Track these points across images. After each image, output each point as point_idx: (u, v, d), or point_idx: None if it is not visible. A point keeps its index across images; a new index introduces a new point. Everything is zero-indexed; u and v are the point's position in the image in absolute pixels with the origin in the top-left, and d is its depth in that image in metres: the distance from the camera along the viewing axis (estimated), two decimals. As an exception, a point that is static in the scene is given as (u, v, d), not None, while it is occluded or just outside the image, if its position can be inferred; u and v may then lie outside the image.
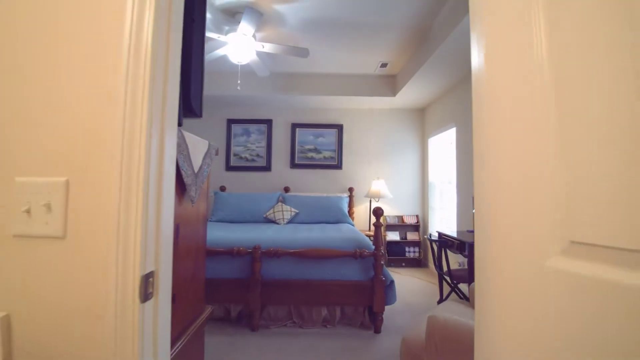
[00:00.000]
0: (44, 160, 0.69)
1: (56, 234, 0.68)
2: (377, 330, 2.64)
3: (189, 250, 1.15)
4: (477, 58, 0.67)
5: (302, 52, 3.14)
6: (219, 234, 3.02)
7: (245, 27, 2.81)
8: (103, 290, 0.67)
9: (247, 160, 5.03)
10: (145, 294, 0.67)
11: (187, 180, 1.04)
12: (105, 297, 0.66)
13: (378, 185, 4.63)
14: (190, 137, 1.07)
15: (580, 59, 0.47)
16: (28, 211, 0.68)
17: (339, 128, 5.07)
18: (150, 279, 0.68)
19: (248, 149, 5.05)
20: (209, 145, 1.25)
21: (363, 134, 5.09)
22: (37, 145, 0.70)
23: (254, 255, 2.63)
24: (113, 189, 0.66)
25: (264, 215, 4.17)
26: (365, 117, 5.10)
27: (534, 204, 0.53)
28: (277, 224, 4.02)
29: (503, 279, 0.60)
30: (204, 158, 1.19)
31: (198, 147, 1.13)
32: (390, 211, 4.97)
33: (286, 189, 4.94)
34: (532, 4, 0.54)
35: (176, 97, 0.80)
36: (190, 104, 1.04)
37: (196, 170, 1.11)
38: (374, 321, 2.67)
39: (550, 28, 0.51)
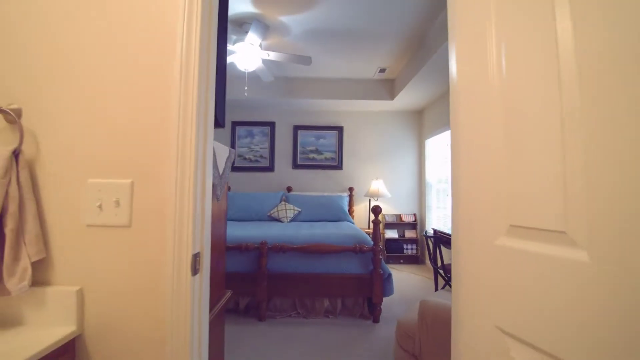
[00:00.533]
0: (113, 165, 0.88)
1: (123, 223, 0.87)
2: (376, 320, 2.83)
3: (214, 240, 1.34)
4: (452, 72, 0.86)
5: (305, 60, 3.33)
6: (228, 230, 3.20)
7: (253, 38, 3.00)
8: (162, 267, 0.86)
9: (251, 161, 5.22)
10: (194, 269, 0.86)
11: (215, 181, 1.22)
12: (163, 272, 0.86)
13: (377, 185, 4.83)
14: (216, 144, 1.26)
15: (521, 84, 0.66)
16: (100, 206, 0.87)
17: (340, 130, 5.26)
18: (197, 258, 0.87)
19: (252, 150, 5.24)
20: (230, 150, 1.44)
21: (362, 135, 5.28)
22: (107, 153, 0.89)
23: (261, 250, 2.82)
24: (170, 187, 0.85)
25: (268, 214, 4.36)
26: (365, 119, 5.29)
27: (488, 198, 0.72)
28: (281, 221, 4.21)
29: (467, 257, 0.79)
30: (226, 162, 1.38)
31: (222, 152, 1.32)
32: (388, 210, 5.16)
33: (289, 189, 5.13)
34: (486, 38, 0.73)
35: (212, 111, 0.98)
36: (215, 115, 1.23)
37: (220, 173, 1.30)
38: (372, 311, 2.86)
39: (504, 55, 0.71)
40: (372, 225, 2.99)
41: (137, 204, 0.88)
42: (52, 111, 0.90)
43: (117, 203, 0.87)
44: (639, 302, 0.45)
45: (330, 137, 5.26)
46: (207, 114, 0.94)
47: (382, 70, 4.37)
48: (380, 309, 2.84)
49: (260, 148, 5.26)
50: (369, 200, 5.04)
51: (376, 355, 2.31)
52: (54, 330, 0.83)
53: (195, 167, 0.86)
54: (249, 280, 2.83)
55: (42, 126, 0.90)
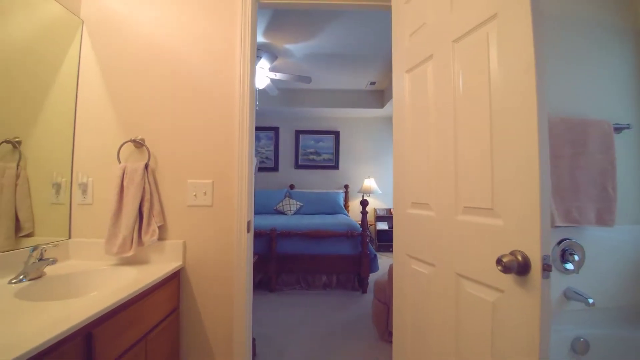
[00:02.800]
0: (201, 172, 1.57)
1: (208, 204, 1.55)
2: (364, 291, 3.52)
3: (247, 220, 2.03)
4: (394, 126, 1.54)
5: (306, 80, 4.00)
6: (243, 221, 3.89)
7: (264, 63, 3.66)
8: (230, 228, 1.54)
9: (258, 162, 5.88)
10: (248, 229, 1.54)
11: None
12: (231, 231, 1.54)
13: (369, 183, 5.51)
14: (250, 156, 1.94)
15: (417, 125, 1.35)
16: (195, 195, 1.56)
17: (336, 134, 5.93)
18: (249, 223, 1.56)
19: (259, 153, 5.90)
20: (256, 159, 2.12)
21: (356, 139, 5.95)
22: (201, 165, 1.57)
23: (271, 235, 3.50)
24: (234, 183, 1.54)
25: (274, 208, 5.04)
26: (358, 124, 5.96)
27: (404, 188, 1.41)
28: (286, 214, 4.89)
29: (396, 220, 1.47)
30: (255, 166, 2.05)
31: (254, 160, 2.00)
32: (379, 205, 5.84)
33: (292, 186, 5.80)
34: (405, 102, 1.41)
35: (253, 135, 1.66)
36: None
37: (254, 174, 1.98)
38: (361, 284, 3.55)
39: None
40: (361, 215, 3.67)
41: (216, 193, 1.56)
42: (163, 140, 1.59)
43: (205, 193, 1.55)
44: (452, 235, 1.14)
45: (328, 141, 5.93)
46: (251, 138, 1.62)
47: (373, 83, 5.04)
48: (367, 282, 3.53)
49: (266, 150, 5.92)
50: (362, 196, 5.72)
51: (362, 312, 3.00)
52: (170, 264, 1.51)
53: (248, 171, 1.54)
54: (262, 260, 3.50)
55: (159, 150, 1.59)
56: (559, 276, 1.61)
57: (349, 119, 5.96)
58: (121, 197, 1.49)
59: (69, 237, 1.57)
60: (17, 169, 1.40)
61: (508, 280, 0.88)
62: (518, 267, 0.83)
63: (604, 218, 1.54)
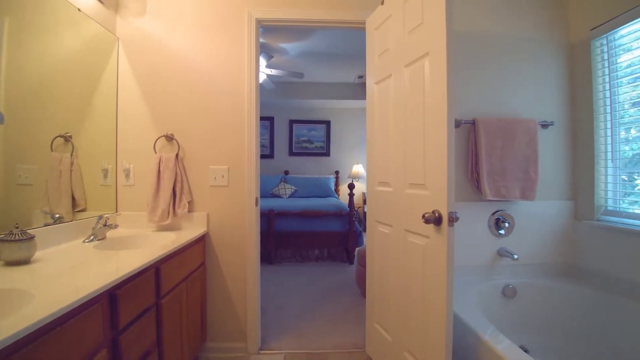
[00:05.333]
0: (220, 160, 2.02)
1: (225, 184, 2.02)
2: (351, 262, 4.04)
3: (252, 199, 2.50)
4: (368, 123, 2.00)
5: (298, 75, 4.41)
6: (243, 203, 4.36)
7: (261, 61, 4.07)
8: (243, 203, 2.01)
9: (254, 149, 6.32)
10: (256, 203, 2.01)
11: (255, 166, 2.36)
12: (243, 205, 2.01)
13: (358, 168, 5.99)
14: (254, 147, 2.39)
15: (382, 126, 1.82)
16: (215, 178, 2.02)
17: (327, 123, 6.37)
18: (256, 198, 2.03)
19: (255, 141, 6.33)
20: (259, 149, 2.57)
21: (346, 128, 6.40)
22: (218, 155, 2.02)
23: (270, 215, 3.98)
24: (245, 168, 2.00)
25: (271, 192, 5.50)
26: (348, 115, 6.40)
27: (374, 169, 1.89)
28: (281, 197, 5.37)
29: (369, 197, 1.95)
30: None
31: (257, 151, 2.45)
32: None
33: (286, 172, 6.26)
34: (374, 111, 1.88)
35: (259, 131, 2.11)
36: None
37: (257, 162, 2.44)
38: (348, 257, 4.07)
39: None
40: (348, 197, 4.16)
41: (231, 176, 2.03)
42: (189, 135, 2.03)
43: (222, 176, 2.02)
44: (391, 200, 1.62)
45: (320, 130, 6.37)
46: (256, 133, 2.07)
47: (361, 77, 5.46)
48: (354, 255, 4.05)
49: (262, 139, 6.35)
50: (352, 180, 6.20)
51: (349, 278, 3.53)
52: (198, 230, 1.98)
53: (255, 157, 2.00)
54: (262, 236, 3.97)
55: (186, 142, 2.03)
56: (494, 239, 2.12)
57: (339, 110, 6.38)
58: (159, 179, 1.94)
59: (116, 211, 2.03)
60: (71, 157, 1.82)
61: (431, 230, 1.37)
62: (435, 220, 1.31)
63: (527, 194, 2.04)
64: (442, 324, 1.31)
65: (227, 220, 2.04)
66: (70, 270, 1.15)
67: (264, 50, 4.09)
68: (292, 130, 6.36)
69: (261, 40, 4.01)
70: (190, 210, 2.02)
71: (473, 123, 2.04)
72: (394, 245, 1.69)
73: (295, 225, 4.07)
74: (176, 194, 1.96)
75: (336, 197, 5.55)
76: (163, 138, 2.02)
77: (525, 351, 1.88)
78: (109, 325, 1.04)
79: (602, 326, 1.81)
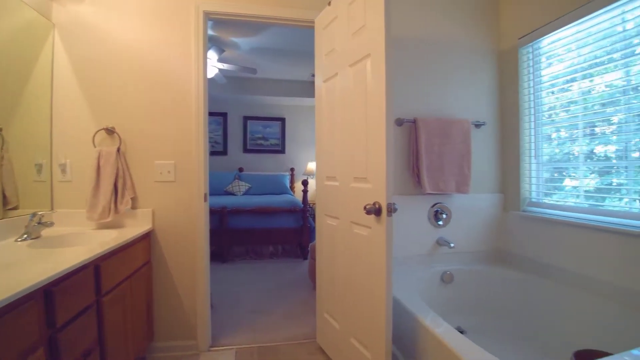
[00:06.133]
0: (167, 154, 1.97)
1: (172, 180, 1.97)
2: (305, 258, 4.11)
3: (202, 195, 2.45)
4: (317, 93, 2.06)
5: (251, 71, 4.38)
6: (195, 200, 4.24)
7: (212, 55, 3.98)
8: (191, 198, 1.98)
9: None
10: (205, 199, 1.99)
11: (204, 162, 2.33)
12: (191, 201, 1.98)
13: (312, 166, 6.07)
14: (204, 142, 2.35)
15: (327, 125, 1.89)
16: (161, 173, 1.96)
17: (282, 121, 6.37)
18: (205, 193, 2.01)
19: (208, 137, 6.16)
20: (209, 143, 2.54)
21: (301, 125, 6.45)
22: (164, 149, 1.97)
23: (222, 212, 3.92)
24: (194, 163, 1.97)
25: (225, 189, 5.41)
26: (303, 112, 6.45)
27: (321, 165, 1.95)
28: (235, 195, 5.29)
29: (318, 190, 2.02)
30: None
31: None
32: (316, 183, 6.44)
33: (241, 169, 6.17)
34: (322, 110, 1.94)
35: (207, 126, 2.09)
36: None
37: (206, 157, 2.40)
38: (302, 252, 4.13)
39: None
40: (302, 194, 4.21)
41: (177, 170, 1.99)
42: (132, 128, 1.96)
43: (169, 171, 1.97)
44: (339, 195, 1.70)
45: (275, 127, 6.36)
46: (205, 125, 2.05)
47: (314, 75, 5.53)
48: (308, 250, 4.11)
49: (215, 135, 6.20)
50: (307, 177, 6.27)
51: (302, 273, 3.59)
52: (142, 227, 1.92)
53: (204, 155, 1.98)
54: (214, 234, 3.90)
55: (128, 136, 1.96)
56: (433, 229, 2.28)
57: (294, 107, 6.41)
58: (99, 175, 1.85)
59: (52, 209, 1.90)
60: (1, 152, 1.69)
61: (373, 220, 1.45)
62: (375, 211, 1.40)
63: (461, 188, 2.22)
64: (383, 309, 1.40)
65: (174, 217, 2.00)
66: (1, 269, 1.08)
67: (215, 43, 4.01)
68: (247, 127, 6.28)
69: (212, 33, 3.92)
70: (134, 207, 1.95)
71: (414, 122, 2.18)
72: (340, 237, 1.76)
73: (249, 222, 4.05)
74: (118, 190, 1.89)
75: (291, 194, 5.59)
76: (103, 131, 1.93)
77: (462, 332, 2.06)
78: (45, 322, 1.00)
79: (525, 304, 2.04)
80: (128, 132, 1.96)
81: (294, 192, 6.23)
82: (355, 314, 1.64)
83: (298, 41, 4.12)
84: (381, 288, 1.40)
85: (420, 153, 2.14)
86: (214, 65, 4.26)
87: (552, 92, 2.08)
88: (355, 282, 1.63)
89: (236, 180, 5.55)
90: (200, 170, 1.99)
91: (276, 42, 4.15)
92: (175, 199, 1.99)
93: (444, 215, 2.28)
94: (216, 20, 2.71)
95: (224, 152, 6.20)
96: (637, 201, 1.63)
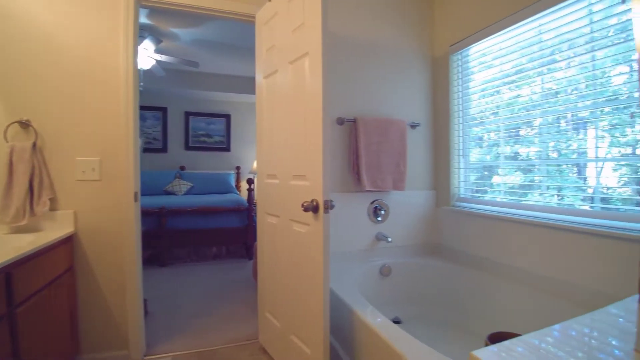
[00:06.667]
0: (91, 150, 1.82)
1: (97, 178, 1.82)
2: (250, 258, 4.04)
3: (135, 194, 2.29)
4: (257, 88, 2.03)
5: (193, 64, 4.19)
6: (130, 201, 3.96)
7: (148, 44, 3.74)
8: (120, 198, 1.84)
9: (144, 143, 5.77)
10: (135, 199, 1.87)
11: (137, 159, 2.18)
12: (120, 201, 1.84)
13: (259, 164, 5.98)
14: (136, 138, 2.20)
15: (267, 124, 1.87)
16: (84, 171, 1.80)
17: (228, 117, 6.19)
18: (136, 192, 1.88)
19: (145, 133, 5.78)
20: (140, 139, 2.38)
21: (248, 123, 6.31)
22: (88, 145, 1.81)
23: (161, 213, 3.71)
24: (122, 159, 1.83)
25: (164, 189, 5.12)
26: (250, 109, 6.32)
27: (263, 161, 1.93)
28: (176, 194, 5.04)
29: (258, 188, 1.99)
30: (139, 147, 2.31)
31: (139, 140, 2.26)
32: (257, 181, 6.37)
33: (182, 168, 5.88)
34: (263, 108, 1.92)
35: (138, 122, 1.96)
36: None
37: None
38: (247, 252, 4.06)
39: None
40: (248, 192, 4.13)
41: (104, 168, 1.84)
42: (51, 121, 1.78)
43: (93, 169, 1.82)
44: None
45: (220, 124, 6.16)
46: (135, 118, 1.92)
47: (261, 72, 5.44)
48: (253, 250, 4.04)
49: (154, 131, 5.83)
50: (253, 176, 6.16)
51: (247, 273, 3.52)
52: (62, 230, 1.75)
53: (134, 151, 1.86)
54: (152, 236, 3.69)
55: (46, 130, 1.77)
56: (373, 225, 2.37)
57: (240, 104, 6.26)
58: (11, 173, 1.65)
59: (-52, 212, 1.66)
60: None
61: (310, 218, 1.47)
62: (313, 208, 1.42)
63: (398, 185, 2.33)
64: (320, 305, 1.42)
65: (100, 219, 1.85)
66: None
67: (152, 33, 3.77)
68: (189, 123, 5.99)
69: (148, 22, 3.69)
70: (52, 209, 1.77)
71: (354, 121, 2.24)
72: (281, 235, 1.76)
73: (191, 223, 3.88)
74: (34, 190, 1.70)
75: (237, 193, 5.45)
76: (17, 124, 1.72)
77: (398, 322, 2.17)
78: None
79: (454, 293, 2.20)
80: (46, 126, 1.77)
81: (239, 191, 6.09)
82: (295, 311, 1.65)
83: (244, 35, 4.03)
84: (319, 284, 1.43)
85: (360, 151, 2.20)
86: (150, 56, 4.01)
87: (484, 96, 2.26)
88: (295, 279, 1.64)
89: (177, 179, 5.29)
90: (129, 168, 1.86)
91: (220, 35, 4.01)
92: (101, 199, 1.84)
93: (383, 212, 2.38)
94: (151, 9, 2.55)
95: (163, 150, 5.87)
96: (555, 196, 1.84)
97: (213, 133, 6.13)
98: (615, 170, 1.61)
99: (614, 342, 0.73)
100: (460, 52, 2.39)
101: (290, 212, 1.65)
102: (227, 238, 3.99)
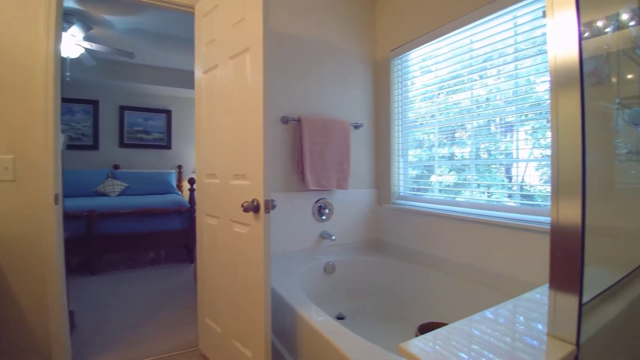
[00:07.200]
0: (3, 147, 1.60)
1: (10, 179, 1.61)
2: (192, 261, 3.86)
3: (57, 196, 2.07)
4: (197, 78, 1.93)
5: (128, 55, 3.90)
6: (53, 203, 3.57)
7: (76, 31, 3.40)
8: (37, 201, 1.65)
9: (72, 139, 5.24)
10: (56, 201, 1.68)
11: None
12: (38, 203, 1.65)
13: (203, 163, 5.73)
14: (57, 133, 1.98)
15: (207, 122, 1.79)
16: (-9, 169, 1.58)
17: (168, 113, 5.85)
18: (57, 194, 1.70)
19: (72, 128, 5.25)
20: (64, 135, 2.15)
21: (190, 119, 6.02)
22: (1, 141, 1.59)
23: (90, 216, 3.39)
24: (40, 159, 1.64)
25: (95, 190, 4.69)
26: (192, 105, 6.03)
27: (202, 162, 1.84)
28: (109, 196, 4.65)
29: (198, 188, 1.90)
30: (62, 143, 2.09)
31: (61, 137, 2.04)
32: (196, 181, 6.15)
33: (116, 166, 5.44)
34: (201, 104, 1.83)
35: (59, 115, 1.76)
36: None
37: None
38: (189, 256, 3.87)
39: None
40: (189, 193, 3.94)
41: (19, 169, 1.62)
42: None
43: (6, 168, 1.60)
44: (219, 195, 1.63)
45: (159, 119, 5.80)
46: (56, 116, 1.73)
47: (204, 67, 5.22)
48: (195, 253, 3.87)
49: (83, 126, 5.33)
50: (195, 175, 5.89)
51: (188, 278, 3.36)
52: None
53: (54, 149, 1.67)
54: (80, 242, 3.36)
55: (-60, 123, 1.52)
56: (317, 224, 2.39)
57: (182, 99, 5.95)
58: None
59: None
60: None
61: (251, 218, 1.44)
62: (254, 208, 1.38)
63: (341, 184, 2.37)
64: (261, 306, 1.39)
65: (15, 223, 1.63)
66: None
67: (81, 19, 3.43)
68: (124, 118, 5.56)
69: (77, 6, 3.35)
70: (-50, 213, 1.53)
71: (299, 120, 2.23)
72: (221, 237, 1.69)
73: (126, 226, 3.60)
74: None
75: (178, 194, 5.17)
76: None
77: (342, 318, 2.21)
78: None
79: (395, 286, 2.29)
80: (-61, 117, 1.52)
81: (181, 191, 5.80)
82: (237, 315, 1.60)
83: (185, 26, 3.82)
84: (260, 285, 1.40)
85: (304, 151, 2.20)
86: (78, 43, 3.65)
87: (423, 100, 2.37)
88: (235, 282, 1.59)
89: (109, 179, 4.88)
90: (49, 166, 1.67)
91: (159, 25, 3.77)
92: (15, 202, 1.63)
93: (327, 210, 2.40)
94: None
95: (94, 147, 5.38)
96: (485, 194, 1.98)
97: (152, 129, 5.76)
98: (537, 169, 1.78)
99: (539, 327, 0.80)
100: (400, 57, 2.49)
101: (231, 213, 1.60)
102: (167, 241, 3.77)
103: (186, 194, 5.90)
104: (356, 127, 2.54)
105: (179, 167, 5.91)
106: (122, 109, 5.55)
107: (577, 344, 0.69)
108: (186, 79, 5.38)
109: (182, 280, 3.33)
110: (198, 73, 1.90)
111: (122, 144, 5.55)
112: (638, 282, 0.98)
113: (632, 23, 0.92)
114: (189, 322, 2.40)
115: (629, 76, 1.00)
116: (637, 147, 1.00)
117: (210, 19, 1.81)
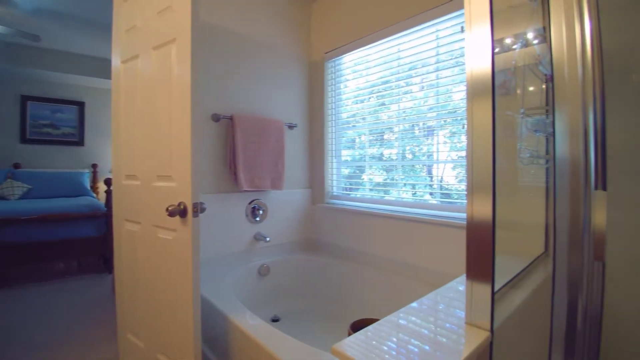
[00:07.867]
0: None
1: None
2: (111, 271, 3.49)
3: None
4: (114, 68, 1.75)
5: (33, 38, 3.40)
6: None
7: (-43, 5, 2.86)
8: None
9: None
10: None
11: None
12: None
13: (124, 162, 5.23)
14: None
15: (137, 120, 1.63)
16: None
17: (81, 105, 5.23)
18: None
19: (-44, 120, 4.43)
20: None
21: (107, 112, 5.45)
22: None
23: (-21, 223, 2.88)
24: None
25: (-13, 192, 4.01)
26: (108, 97, 5.46)
27: (118, 163, 1.67)
28: (8, 199, 4.00)
29: (115, 190, 1.72)
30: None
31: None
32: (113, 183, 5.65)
33: (16, 165, 4.71)
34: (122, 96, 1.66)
35: None
36: None
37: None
38: (107, 265, 3.50)
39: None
40: (106, 195, 3.57)
41: None
42: None
43: None
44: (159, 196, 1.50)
45: (70, 112, 5.15)
46: None
47: (125, 57, 4.77)
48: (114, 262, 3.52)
49: (-29, 118, 4.53)
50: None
51: (106, 290, 3.03)
52: None
53: None
54: (-36, 254, 2.84)
55: None
56: (251, 226, 2.32)
57: (98, 90, 5.37)
58: None
59: None
60: None
61: (178, 222, 1.34)
62: (180, 212, 1.29)
63: (276, 184, 2.34)
64: (190, 316, 1.31)
65: None
66: None
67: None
68: (27, 110, 4.83)
69: (-43, -25, 2.82)
70: None
71: (231, 118, 2.15)
72: (143, 244, 1.55)
73: (29, 234, 3.12)
74: None
75: (93, 196, 4.65)
76: None
77: (277, 320, 2.18)
78: None
79: (330, 284, 2.33)
80: None
81: (97, 193, 5.22)
82: (162, 328, 1.48)
83: (101, 8, 3.43)
84: (188, 293, 1.31)
85: (237, 150, 2.13)
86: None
87: (355, 102, 2.44)
88: (160, 292, 1.47)
89: (8, 179, 4.21)
90: None
91: (72, 6, 3.34)
92: None
93: (261, 211, 2.35)
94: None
95: (-14, 142, 4.60)
96: (410, 192, 2.10)
97: (61, 123, 5.11)
98: (453, 169, 1.94)
99: (460, 314, 0.87)
100: (334, 59, 2.54)
101: (154, 218, 1.47)
102: (80, 250, 3.36)
103: (102, 197, 5.34)
104: (290, 127, 2.52)
105: (94, 166, 5.33)
106: (25, 99, 4.84)
107: (492, 330, 0.76)
108: (102, 68, 4.87)
109: (100, 293, 3.00)
110: (116, 62, 1.72)
111: (24, 140, 4.84)
112: (540, 270, 1.12)
113: (535, 41, 1.05)
114: (109, 338, 2.17)
115: (531, 88, 1.14)
116: (537, 152, 1.15)
117: (131, 3, 1.65)
